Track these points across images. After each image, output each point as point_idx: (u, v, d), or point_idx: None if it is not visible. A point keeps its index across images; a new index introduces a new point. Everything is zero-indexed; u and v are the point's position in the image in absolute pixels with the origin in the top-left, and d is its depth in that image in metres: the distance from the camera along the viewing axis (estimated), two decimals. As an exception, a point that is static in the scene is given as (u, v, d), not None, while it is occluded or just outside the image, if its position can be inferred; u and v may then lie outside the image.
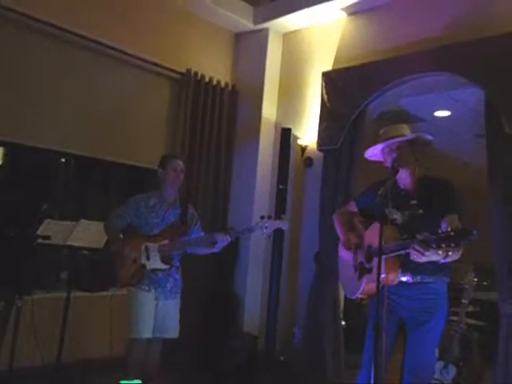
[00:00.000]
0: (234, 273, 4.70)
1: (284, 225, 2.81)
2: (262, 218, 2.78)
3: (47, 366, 3.41)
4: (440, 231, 1.93)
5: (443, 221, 2.19)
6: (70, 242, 3.34)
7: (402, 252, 2.13)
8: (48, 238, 3.19)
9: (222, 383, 3.75)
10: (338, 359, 3.98)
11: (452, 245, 1.89)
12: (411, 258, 2.08)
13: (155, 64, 4.46)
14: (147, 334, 2.86)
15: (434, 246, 1.94)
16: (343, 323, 4.13)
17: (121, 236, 3.07)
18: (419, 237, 2.02)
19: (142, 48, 4.34)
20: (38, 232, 3.29)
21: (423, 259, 2.05)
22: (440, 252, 1.99)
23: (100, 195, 4.64)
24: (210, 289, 4.58)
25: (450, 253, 1.99)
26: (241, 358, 3.87)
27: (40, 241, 3.22)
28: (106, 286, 3.97)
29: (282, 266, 4.24)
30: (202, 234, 3.10)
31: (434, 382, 3.44)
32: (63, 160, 4.30)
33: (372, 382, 1.90)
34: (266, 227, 2.75)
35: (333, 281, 3.97)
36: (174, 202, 3.04)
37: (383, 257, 2.12)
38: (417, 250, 2.01)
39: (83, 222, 3.47)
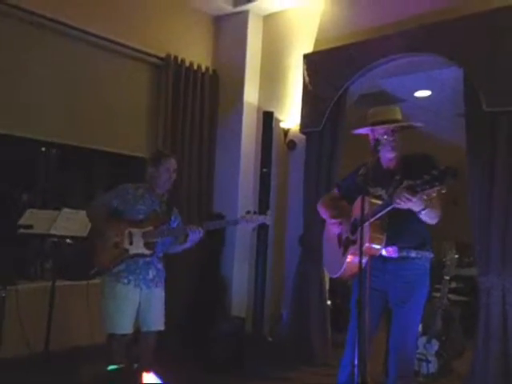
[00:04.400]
0: (221, 257, 4.72)
1: (268, 220, 2.87)
2: (248, 212, 2.81)
3: (35, 355, 3.41)
4: (424, 175, 1.95)
5: None
6: (53, 231, 3.31)
7: (387, 209, 2.16)
8: (30, 227, 3.16)
9: (212, 366, 3.79)
10: (325, 338, 4.05)
11: (437, 184, 1.91)
12: (396, 206, 2.10)
13: (134, 49, 4.39)
14: (126, 329, 2.79)
15: (419, 189, 1.97)
16: (329, 303, 4.20)
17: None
18: (404, 183, 2.05)
19: (121, 33, 4.26)
20: (20, 222, 3.26)
21: (409, 204, 2.07)
22: (425, 197, 2.02)
23: (82, 183, 4.60)
24: (197, 274, 4.60)
25: (434, 194, 2.00)
26: (230, 341, 3.91)
27: (22, 230, 3.18)
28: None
29: (268, 249, 4.27)
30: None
31: (417, 356, 3.53)
32: (43, 149, 4.24)
33: (356, 357, 1.94)
34: (252, 221, 2.80)
35: (318, 262, 4.01)
36: (162, 196, 3.00)
37: (368, 223, 2.17)
38: (404, 197, 2.03)
39: (66, 210, 3.45)
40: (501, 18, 3.22)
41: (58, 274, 3.53)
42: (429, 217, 2.21)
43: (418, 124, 2.42)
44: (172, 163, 2.96)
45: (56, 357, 3.48)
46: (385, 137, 2.35)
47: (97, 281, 3.51)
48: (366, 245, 2.15)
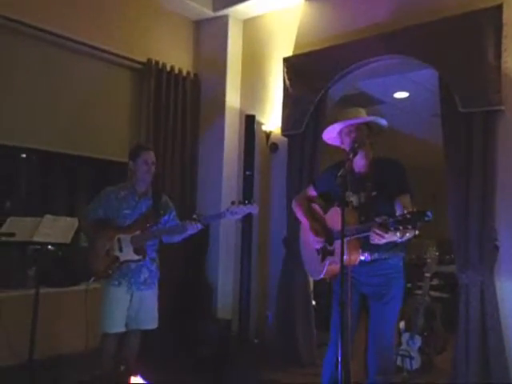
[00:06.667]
0: (206, 259, 4.74)
1: (254, 209, 2.77)
2: (233, 203, 2.77)
3: (20, 364, 3.38)
4: (398, 214, 2.00)
5: (397, 202, 2.29)
6: (35, 238, 3.28)
7: (362, 235, 2.21)
8: (13, 235, 3.14)
9: (198, 368, 3.80)
10: (310, 338, 4.10)
11: (409, 226, 1.97)
12: (371, 241, 2.15)
13: (115, 54, 4.39)
14: (118, 328, 2.90)
15: (392, 228, 2.01)
16: (313, 303, 4.24)
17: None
18: (378, 220, 2.07)
19: (102, 39, 4.26)
20: (2, 230, 3.23)
21: (383, 241, 2.12)
22: (398, 234, 2.06)
23: (65, 189, 4.57)
24: (182, 277, 4.60)
25: (408, 234, 2.05)
26: (215, 342, 3.92)
27: (4, 239, 3.16)
28: (76, 280, 3.94)
29: (252, 251, 4.31)
30: (176, 222, 3.06)
31: (401, 352, 3.60)
32: (24, 155, 4.20)
33: (339, 354, 1.99)
34: (237, 212, 2.73)
35: (302, 263, 4.05)
36: (146, 193, 3.03)
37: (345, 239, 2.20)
38: (377, 234, 2.08)
39: (48, 217, 3.41)
40: (474, 20, 3.31)
41: (41, 282, 3.50)
42: (407, 238, 2.20)
43: (382, 121, 2.43)
44: (150, 155, 3.02)
45: (41, 365, 3.45)
46: (352, 136, 2.37)
47: (82, 287, 3.51)
48: (345, 257, 2.18)
